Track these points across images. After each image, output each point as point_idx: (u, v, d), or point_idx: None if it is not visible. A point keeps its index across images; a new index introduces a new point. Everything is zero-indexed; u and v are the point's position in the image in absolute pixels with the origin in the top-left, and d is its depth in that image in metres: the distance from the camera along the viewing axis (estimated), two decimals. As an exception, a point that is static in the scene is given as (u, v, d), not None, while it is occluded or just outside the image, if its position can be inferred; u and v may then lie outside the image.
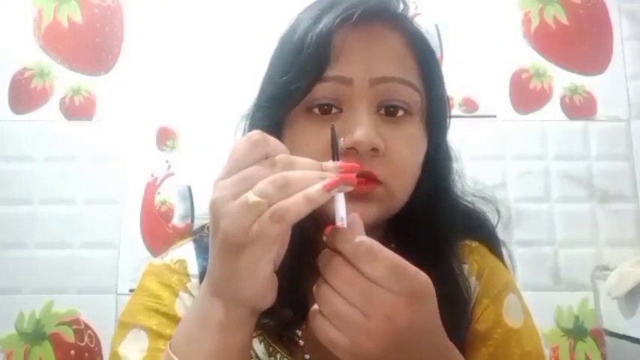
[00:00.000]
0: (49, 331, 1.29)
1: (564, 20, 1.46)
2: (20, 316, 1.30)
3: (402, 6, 0.54)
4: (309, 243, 0.46)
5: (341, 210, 0.39)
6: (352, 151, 0.47)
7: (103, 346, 1.29)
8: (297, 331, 0.53)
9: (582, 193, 1.38)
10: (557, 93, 1.43)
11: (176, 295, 0.53)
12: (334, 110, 0.50)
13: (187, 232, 0.64)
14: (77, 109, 1.39)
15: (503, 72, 1.44)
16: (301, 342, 0.53)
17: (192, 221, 1.33)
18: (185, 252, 0.58)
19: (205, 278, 0.41)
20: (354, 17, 0.49)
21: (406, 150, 0.50)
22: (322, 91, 0.49)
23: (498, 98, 1.43)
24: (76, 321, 1.30)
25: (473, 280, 0.59)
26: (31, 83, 1.40)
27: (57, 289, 1.31)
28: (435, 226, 0.55)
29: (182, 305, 0.53)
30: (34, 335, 1.29)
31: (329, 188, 0.36)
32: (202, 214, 0.63)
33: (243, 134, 0.57)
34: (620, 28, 1.45)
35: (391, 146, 0.49)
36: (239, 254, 0.36)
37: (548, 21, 1.46)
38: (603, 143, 1.40)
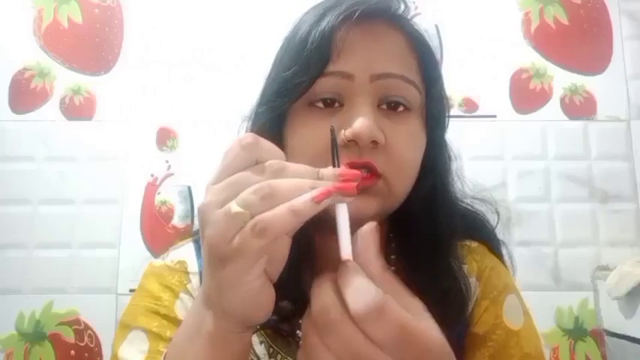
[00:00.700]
0: (49, 331, 1.29)
1: (564, 20, 1.46)
2: (20, 316, 1.30)
3: (403, 7, 0.55)
4: (308, 233, 0.45)
5: (344, 239, 0.34)
6: (352, 144, 0.47)
7: (103, 346, 1.29)
8: (298, 331, 0.53)
9: (582, 193, 1.38)
10: (557, 93, 1.43)
11: (176, 296, 0.53)
12: (336, 105, 0.50)
13: (188, 233, 0.64)
14: (77, 109, 1.39)
15: (503, 72, 1.44)
16: (302, 342, 0.53)
17: (193, 221, 1.33)
18: (185, 252, 0.58)
19: (201, 285, 0.40)
20: (356, 15, 0.50)
21: (406, 144, 0.50)
22: (324, 85, 0.50)
23: (498, 98, 1.43)
24: (76, 321, 1.30)
25: (473, 280, 0.59)
26: (31, 83, 1.40)
27: (57, 289, 1.31)
28: (433, 223, 0.55)
29: (182, 307, 0.53)
30: (34, 335, 1.29)
31: (319, 199, 0.32)
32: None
33: (245, 133, 0.58)
34: (620, 28, 1.45)
35: (391, 140, 0.49)
36: (224, 266, 0.33)
37: (548, 21, 1.46)
38: (603, 143, 1.40)
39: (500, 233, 0.65)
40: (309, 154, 0.49)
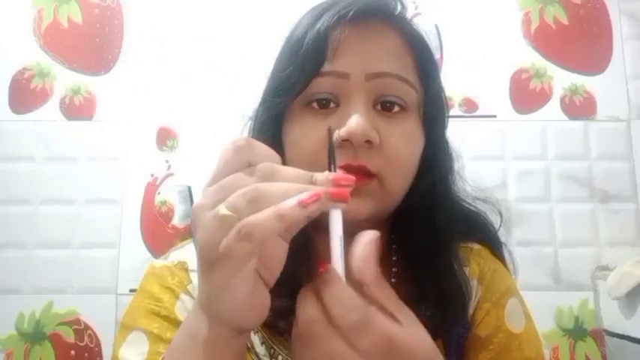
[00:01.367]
0: (49, 331, 1.29)
1: (564, 20, 1.46)
2: (20, 316, 1.30)
3: (399, 7, 0.55)
4: (305, 231, 0.45)
5: (336, 247, 0.33)
6: (347, 144, 0.47)
7: (103, 346, 1.29)
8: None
9: (582, 193, 1.38)
10: (557, 93, 1.43)
11: (177, 297, 0.53)
12: (332, 105, 0.50)
13: (188, 233, 0.63)
14: (77, 109, 1.39)
15: (503, 72, 1.44)
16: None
17: (192, 221, 1.33)
18: (186, 253, 0.58)
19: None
20: (350, 14, 0.50)
21: (401, 144, 0.50)
22: (320, 85, 0.50)
23: (498, 98, 1.43)
24: (76, 321, 1.30)
25: (474, 283, 0.59)
26: (31, 83, 1.40)
27: (57, 289, 1.31)
28: (433, 222, 0.55)
29: (183, 308, 0.53)
30: (34, 335, 1.29)
31: (306, 203, 0.31)
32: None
33: (248, 132, 0.58)
34: (620, 28, 1.45)
35: (386, 140, 0.49)
36: (213, 270, 0.33)
37: (548, 21, 1.46)
38: (603, 143, 1.40)
39: (502, 235, 0.65)
40: (305, 155, 0.49)
